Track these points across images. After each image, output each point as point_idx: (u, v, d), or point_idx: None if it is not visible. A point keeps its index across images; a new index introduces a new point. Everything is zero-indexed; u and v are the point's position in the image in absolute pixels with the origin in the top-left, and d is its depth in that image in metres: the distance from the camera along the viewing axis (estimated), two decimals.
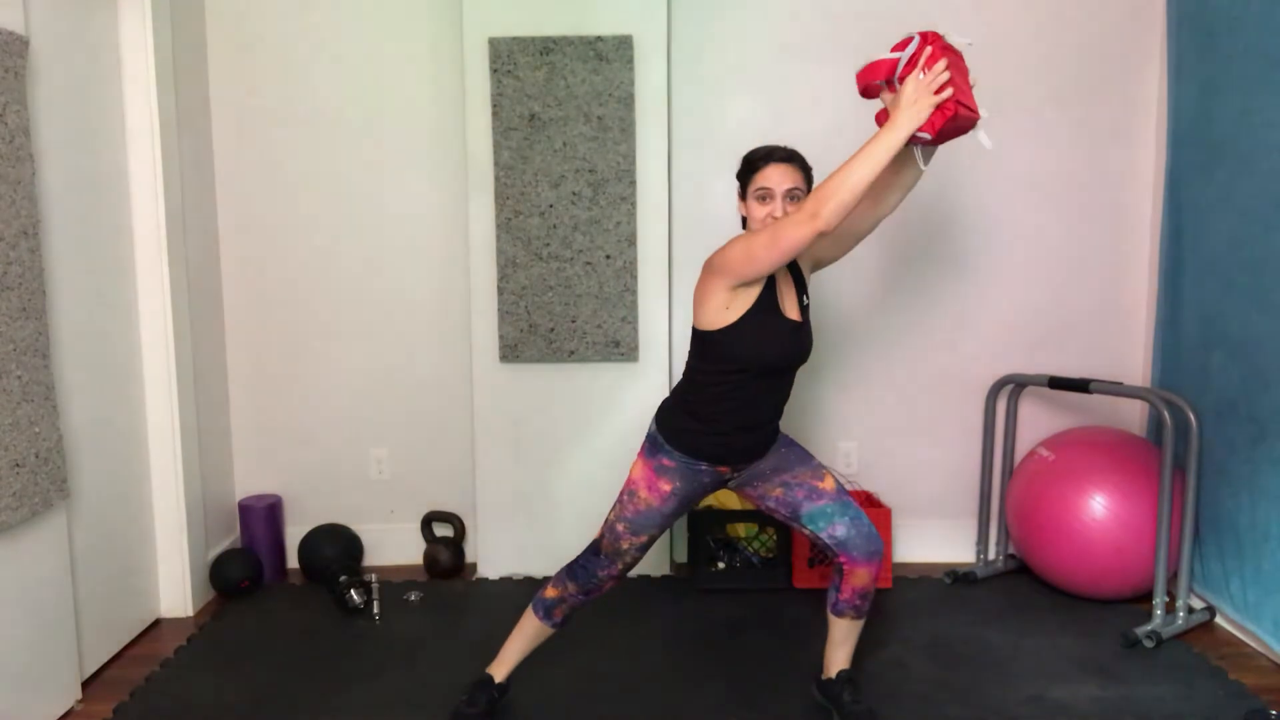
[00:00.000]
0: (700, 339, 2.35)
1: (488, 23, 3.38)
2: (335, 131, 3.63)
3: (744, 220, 2.38)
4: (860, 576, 2.42)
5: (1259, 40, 2.94)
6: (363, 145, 3.64)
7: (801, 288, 2.42)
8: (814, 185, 2.31)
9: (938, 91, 2.11)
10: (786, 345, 2.32)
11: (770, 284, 2.32)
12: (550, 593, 2.52)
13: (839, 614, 2.49)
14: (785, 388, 2.42)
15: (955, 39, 2.21)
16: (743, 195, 2.35)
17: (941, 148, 3.55)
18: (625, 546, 2.42)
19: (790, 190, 2.27)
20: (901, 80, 2.17)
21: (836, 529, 2.40)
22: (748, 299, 2.27)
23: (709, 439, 2.36)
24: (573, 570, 2.49)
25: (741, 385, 2.32)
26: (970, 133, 2.28)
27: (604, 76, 3.37)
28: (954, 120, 2.15)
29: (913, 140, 2.17)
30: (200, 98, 3.52)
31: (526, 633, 2.56)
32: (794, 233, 2.13)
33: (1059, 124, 3.60)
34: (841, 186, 2.09)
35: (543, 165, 3.41)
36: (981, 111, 2.24)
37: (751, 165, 2.33)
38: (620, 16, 3.38)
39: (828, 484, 2.44)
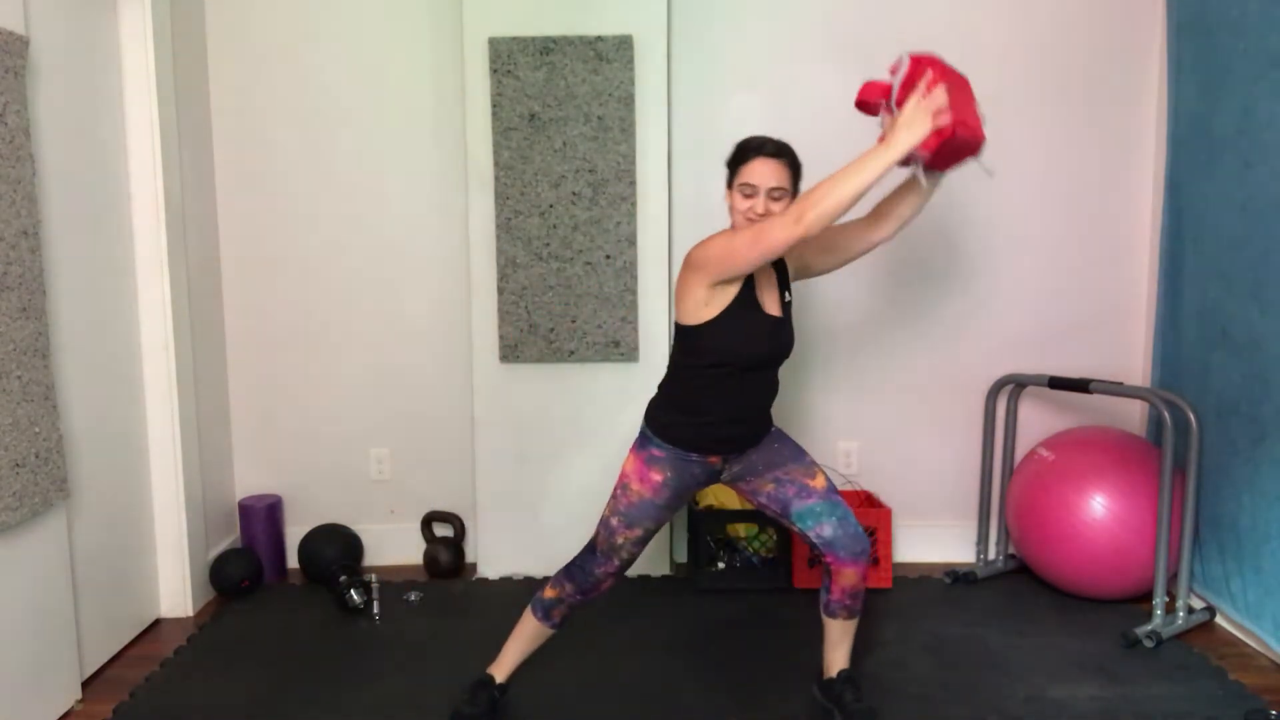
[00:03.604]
0: (682, 333, 2.36)
1: (488, 23, 3.38)
2: (335, 131, 3.63)
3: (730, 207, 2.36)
4: (848, 576, 2.42)
5: (1259, 40, 2.94)
6: (362, 145, 3.64)
7: (785, 284, 2.43)
8: (801, 185, 2.31)
9: (935, 114, 2.11)
10: (765, 341, 2.33)
11: (750, 280, 2.33)
12: (549, 593, 2.51)
13: (831, 615, 2.50)
14: (770, 382, 2.43)
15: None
16: (730, 184, 2.33)
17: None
18: (620, 541, 2.42)
19: (774, 189, 2.25)
20: (900, 104, 2.17)
21: (824, 528, 2.40)
22: (727, 295, 2.28)
23: (696, 430, 2.37)
24: (570, 570, 2.49)
25: (723, 379, 2.33)
26: (975, 159, 2.29)
27: (604, 76, 3.37)
28: (952, 142, 2.15)
29: (910, 160, 2.19)
30: (200, 97, 3.52)
31: (526, 634, 2.55)
32: (776, 235, 2.15)
33: (1059, 124, 3.60)
34: (828, 196, 2.09)
35: (543, 165, 3.41)
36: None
37: (741, 156, 2.30)
38: (620, 16, 3.38)
39: (818, 482, 2.44)
